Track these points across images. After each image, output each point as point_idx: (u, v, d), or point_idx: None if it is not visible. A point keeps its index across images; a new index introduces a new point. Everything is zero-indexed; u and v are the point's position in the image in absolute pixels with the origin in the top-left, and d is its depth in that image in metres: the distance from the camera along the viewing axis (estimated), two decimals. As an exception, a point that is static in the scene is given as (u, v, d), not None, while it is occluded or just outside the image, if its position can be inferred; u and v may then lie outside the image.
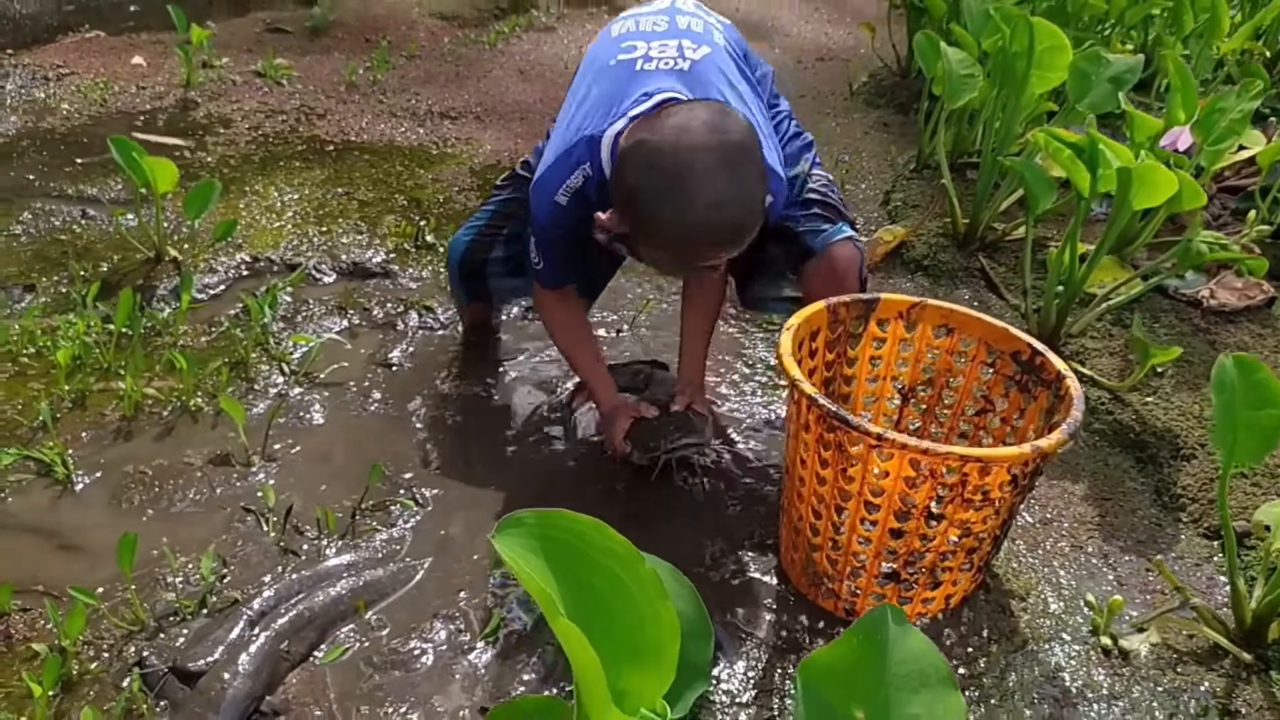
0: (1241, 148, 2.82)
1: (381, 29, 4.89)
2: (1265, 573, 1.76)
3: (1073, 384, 1.67)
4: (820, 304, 1.83)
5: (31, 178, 3.17)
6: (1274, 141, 3.43)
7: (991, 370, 1.85)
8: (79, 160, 3.31)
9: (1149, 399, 2.32)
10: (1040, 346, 1.78)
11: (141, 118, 3.71)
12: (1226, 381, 1.61)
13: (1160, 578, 1.87)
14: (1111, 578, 1.89)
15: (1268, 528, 1.82)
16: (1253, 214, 2.73)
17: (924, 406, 2.01)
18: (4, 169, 3.21)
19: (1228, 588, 1.79)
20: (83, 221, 2.92)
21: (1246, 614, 1.71)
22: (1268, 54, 4.19)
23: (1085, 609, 1.81)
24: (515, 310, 2.64)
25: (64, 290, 2.57)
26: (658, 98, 1.77)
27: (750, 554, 1.91)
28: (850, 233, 2.06)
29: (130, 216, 2.87)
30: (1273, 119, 3.78)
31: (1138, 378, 2.32)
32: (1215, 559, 1.93)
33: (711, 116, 1.64)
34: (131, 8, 5.13)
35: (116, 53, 4.31)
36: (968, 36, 3.07)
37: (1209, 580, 1.89)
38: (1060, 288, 2.53)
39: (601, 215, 1.74)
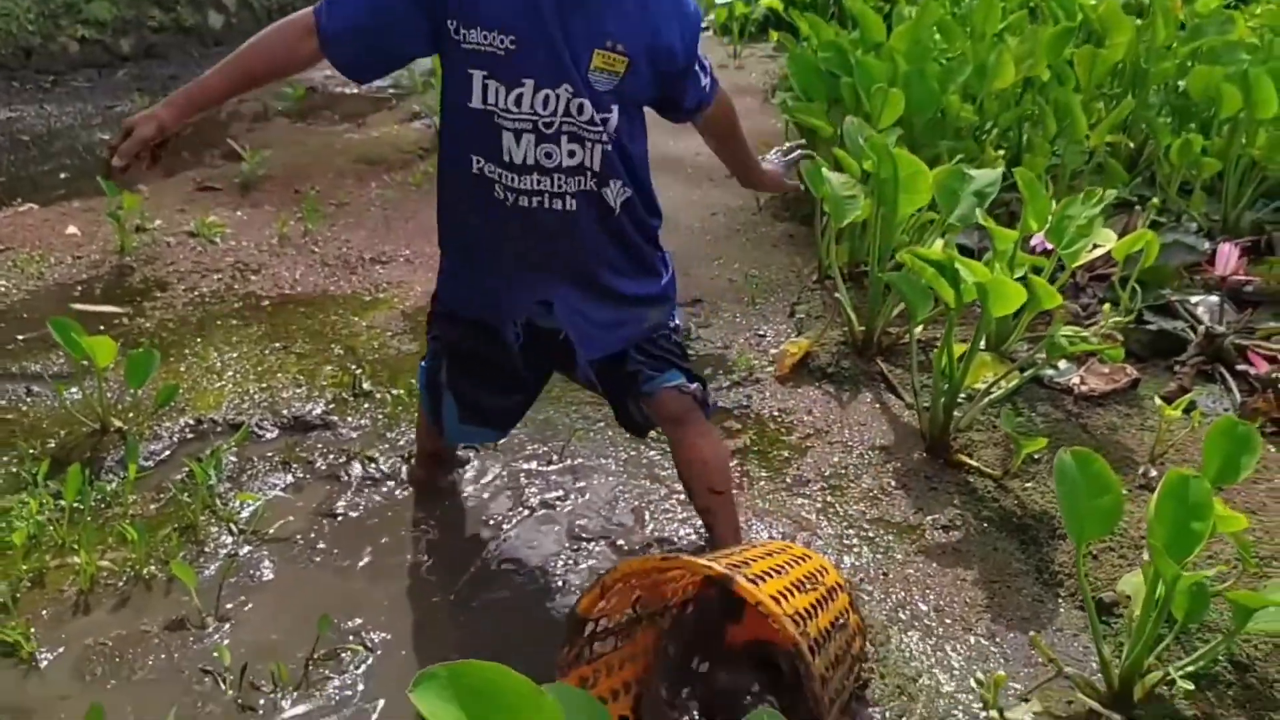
0: (1096, 245, 3.10)
1: (309, 178, 5.11)
2: (1129, 637, 1.97)
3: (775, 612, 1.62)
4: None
5: (-26, 358, 3.33)
6: (1132, 232, 3.75)
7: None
8: (19, 337, 3.48)
9: (1028, 484, 2.56)
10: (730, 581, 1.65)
11: (79, 288, 3.89)
12: (1067, 474, 1.85)
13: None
14: (998, 654, 2.10)
15: (1129, 596, 2.04)
16: (1107, 306, 3.01)
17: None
18: (-52, 352, 3.36)
19: (1098, 656, 2.00)
20: (28, 399, 3.08)
21: (1114, 678, 1.93)
22: (1131, 145, 4.55)
23: (974, 686, 2.01)
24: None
25: (14, 470, 2.72)
26: None
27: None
28: (675, 381, 2.15)
29: (74, 390, 3.04)
30: (1138, 206, 4.11)
31: (1015, 466, 2.56)
32: (1089, 626, 2.14)
33: None
34: (62, 175, 5.34)
35: (50, 224, 4.48)
36: (849, 159, 3.35)
37: (1084, 649, 2.10)
38: (945, 385, 2.77)
39: None
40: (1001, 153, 4.14)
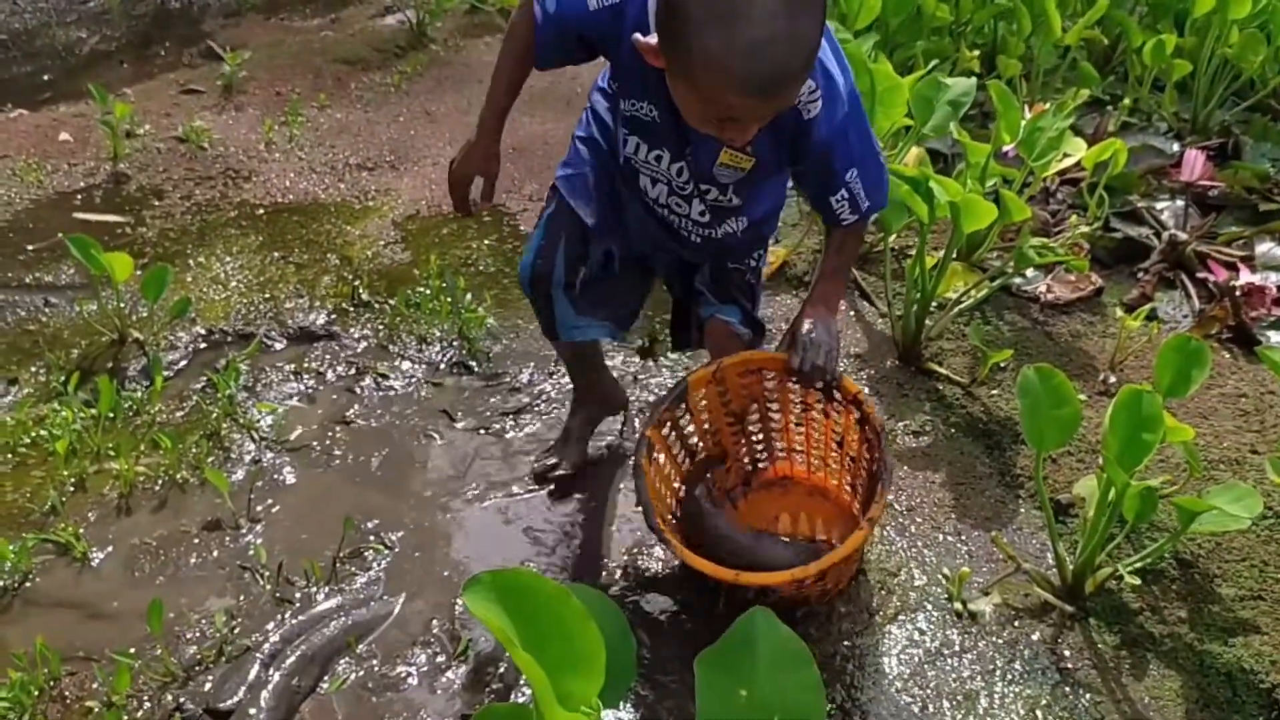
0: (1067, 155, 3.24)
1: (289, 80, 5.14)
2: (1084, 536, 2.19)
3: (869, 406, 2.06)
4: (645, 431, 2.12)
5: (-12, 270, 3.45)
6: (1103, 135, 3.90)
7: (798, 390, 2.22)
8: (29, 247, 3.58)
9: (994, 392, 2.75)
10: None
11: (78, 197, 3.97)
12: (1030, 388, 2.03)
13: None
14: (964, 551, 2.32)
15: (1084, 499, 2.26)
16: (1074, 218, 3.18)
17: (758, 416, 2.34)
18: (-41, 262, 3.48)
19: (1054, 551, 2.22)
20: (46, 310, 3.21)
21: (1068, 574, 2.15)
22: (1105, 41, 4.63)
23: (942, 580, 2.23)
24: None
25: (44, 379, 2.87)
26: None
27: (663, 566, 2.30)
28: (731, 318, 2.26)
29: (90, 301, 3.17)
30: (1110, 107, 4.25)
31: (982, 375, 2.76)
32: (1047, 526, 2.36)
33: None
34: (45, 77, 5.34)
35: (43, 130, 4.53)
36: (826, 68, 3.45)
37: (1041, 546, 2.33)
38: (918, 294, 2.94)
39: (640, 36, 1.67)
40: (976, 53, 4.24)
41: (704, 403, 2.24)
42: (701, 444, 2.31)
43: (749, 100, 1.57)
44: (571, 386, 2.63)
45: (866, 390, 2.83)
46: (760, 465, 2.43)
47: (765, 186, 2.09)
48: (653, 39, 1.63)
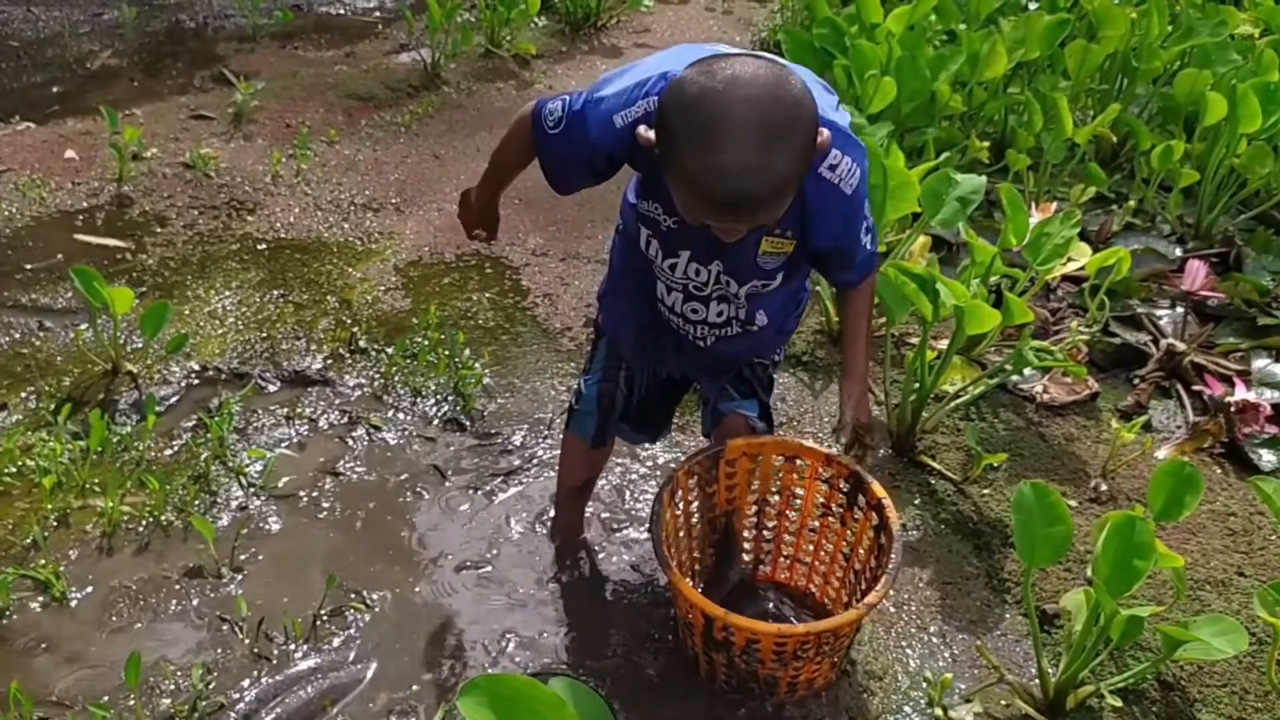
0: (1071, 259, 3.27)
1: (300, 112, 5.16)
2: (1067, 650, 2.18)
3: (891, 513, 2.08)
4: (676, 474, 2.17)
5: (-15, 285, 3.43)
6: (1107, 236, 3.94)
7: (827, 485, 2.25)
8: (27, 266, 3.57)
9: (986, 491, 2.76)
10: (863, 474, 2.17)
11: (80, 218, 3.96)
12: (1025, 504, 2.04)
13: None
14: (948, 655, 2.31)
15: (1070, 612, 2.26)
16: (1075, 323, 3.20)
17: (776, 511, 2.37)
18: (-44, 276, 3.46)
19: (1038, 663, 2.22)
20: (40, 334, 3.19)
21: (1050, 688, 2.15)
22: (1114, 139, 4.69)
23: (924, 684, 2.22)
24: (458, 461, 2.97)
25: (33, 407, 2.85)
26: (739, 51, 1.72)
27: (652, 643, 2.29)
28: (748, 412, 2.28)
29: (86, 328, 3.15)
30: (1115, 206, 4.29)
31: (975, 474, 2.77)
32: (1031, 636, 2.36)
33: (773, 78, 1.59)
34: (54, 89, 5.34)
35: (49, 146, 4.53)
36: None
37: (1025, 655, 2.32)
38: (916, 385, 2.95)
39: (644, 129, 1.72)
40: (986, 144, 4.28)
41: (735, 477, 2.26)
42: (715, 513, 2.31)
43: (722, 218, 1.66)
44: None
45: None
46: (761, 564, 2.43)
47: (802, 267, 2.08)
48: (652, 134, 1.70)
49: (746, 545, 2.39)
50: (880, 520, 2.10)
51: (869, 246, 2.07)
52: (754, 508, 2.36)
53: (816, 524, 2.31)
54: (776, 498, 2.34)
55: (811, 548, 2.35)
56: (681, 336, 2.18)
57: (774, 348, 2.34)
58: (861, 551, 2.19)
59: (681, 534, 2.27)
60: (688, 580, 2.07)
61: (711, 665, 2.11)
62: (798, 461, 2.26)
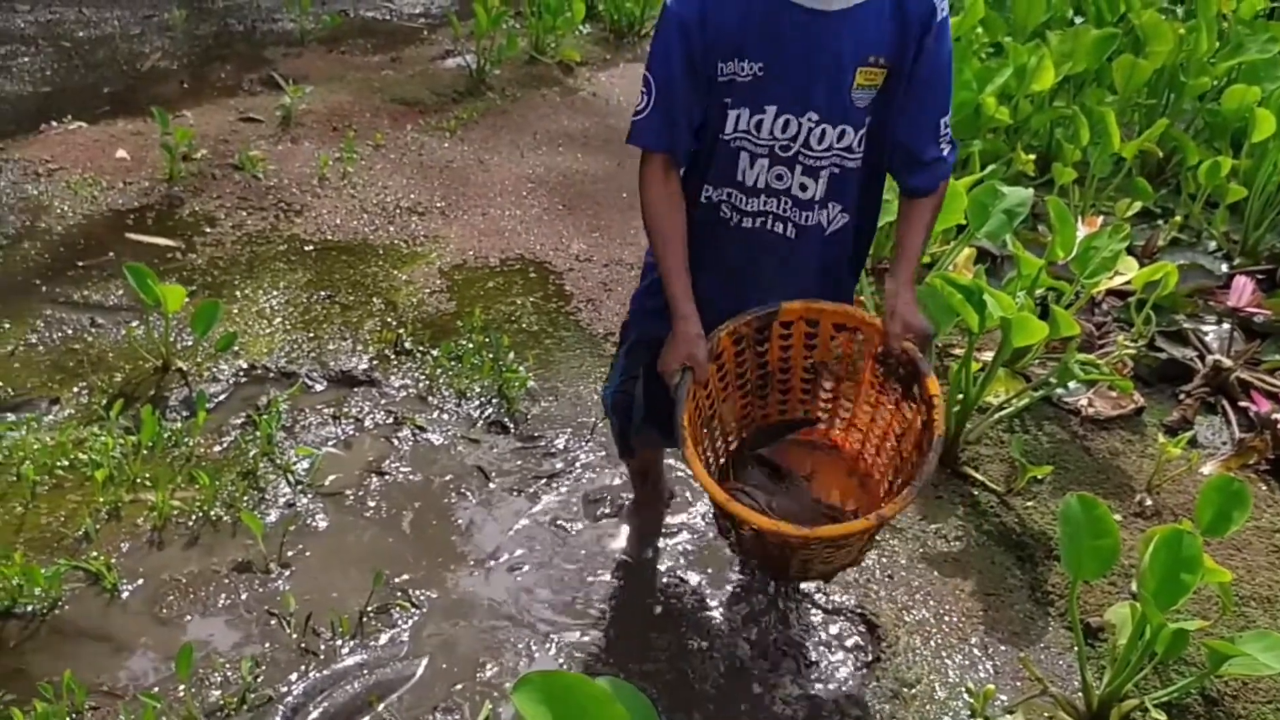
0: (1118, 273, 3.26)
1: (347, 115, 5.21)
2: (1112, 664, 2.18)
3: (939, 414, 1.94)
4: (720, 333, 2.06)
5: (38, 282, 3.49)
6: (1153, 251, 3.92)
7: (884, 367, 2.11)
8: (80, 263, 3.63)
9: (1029, 503, 2.75)
10: (921, 364, 2.01)
11: (131, 217, 4.02)
12: (1072, 516, 2.04)
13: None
14: (989, 666, 2.31)
15: (1115, 625, 2.25)
16: (1121, 337, 3.19)
17: (836, 376, 2.24)
18: (11, 272, 3.52)
19: (1082, 676, 2.21)
20: (92, 330, 3.24)
21: (1094, 701, 2.14)
22: (1160, 154, 4.66)
23: (966, 695, 2.22)
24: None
25: (85, 401, 2.90)
26: None
27: (698, 656, 2.30)
28: None
29: (137, 325, 3.20)
30: (1161, 221, 4.27)
31: (1019, 486, 2.76)
32: (1075, 649, 2.35)
33: None
34: (106, 89, 5.42)
35: (100, 145, 4.60)
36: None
37: (1068, 668, 2.31)
38: (960, 396, 2.95)
39: None
40: (1032, 157, 4.27)
41: (790, 338, 2.15)
42: (769, 373, 2.21)
43: None
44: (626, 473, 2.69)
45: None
46: (819, 420, 2.31)
47: (878, 134, 1.98)
48: None
49: (798, 399, 2.27)
50: (928, 418, 1.98)
51: (944, 151, 2.00)
52: (809, 373, 2.23)
53: (874, 396, 2.19)
54: (836, 364, 2.20)
55: (867, 418, 2.22)
56: (755, 245, 2.06)
57: (847, 268, 2.20)
58: (908, 446, 2.08)
59: (724, 397, 2.17)
60: (702, 459, 1.97)
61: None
62: (858, 334, 2.12)
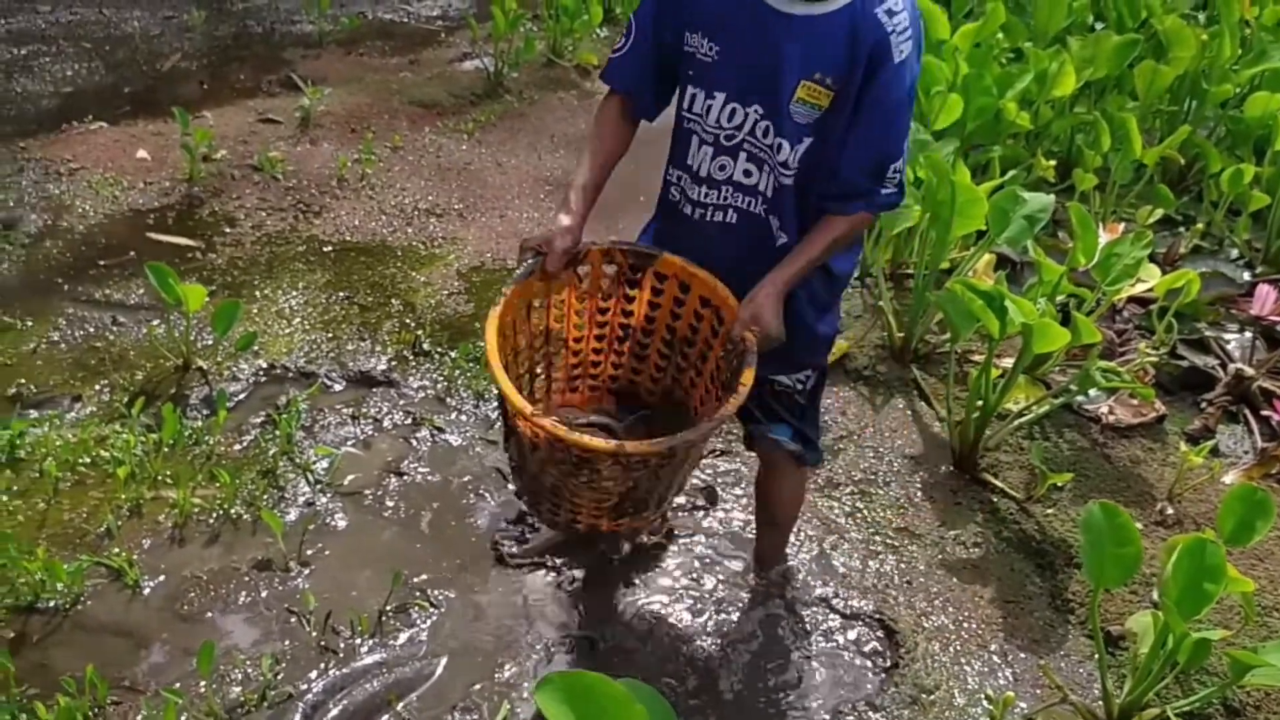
0: (1140, 280, 3.25)
1: (365, 117, 5.23)
2: (1133, 672, 2.17)
3: (733, 403, 1.89)
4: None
5: (60, 281, 3.50)
6: (1175, 258, 3.91)
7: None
8: (101, 262, 3.64)
9: (1049, 511, 2.74)
10: (749, 355, 1.93)
11: (152, 216, 4.03)
12: (1094, 524, 2.03)
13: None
14: (1009, 674, 2.30)
15: (1136, 634, 2.24)
16: (1143, 344, 3.18)
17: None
18: (33, 270, 3.54)
19: (1102, 684, 2.20)
20: (114, 329, 3.25)
21: (1114, 709, 2.13)
22: (1181, 161, 4.64)
23: (985, 702, 2.21)
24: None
25: (106, 399, 2.91)
26: None
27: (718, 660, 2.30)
28: (779, 436, 2.22)
29: (158, 324, 3.21)
30: (1182, 228, 4.26)
31: (1039, 493, 2.75)
32: (1096, 657, 2.34)
33: None
34: (126, 89, 5.45)
35: (121, 145, 4.62)
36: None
37: (1089, 676, 2.30)
38: (980, 402, 2.94)
39: None
40: (1052, 162, 4.26)
41: (661, 296, 2.15)
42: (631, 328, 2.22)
43: None
44: None
45: (919, 495, 2.83)
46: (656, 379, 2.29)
47: (823, 156, 1.94)
48: None
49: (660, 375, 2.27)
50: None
51: (882, 188, 1.95)
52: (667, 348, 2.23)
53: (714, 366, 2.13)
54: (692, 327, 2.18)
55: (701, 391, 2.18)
56: (701, 235, 2.07)
57: (795, 365, 2.18)
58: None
59: (581, 324, 2.19)
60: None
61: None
62: (720, 315, 2.07)
